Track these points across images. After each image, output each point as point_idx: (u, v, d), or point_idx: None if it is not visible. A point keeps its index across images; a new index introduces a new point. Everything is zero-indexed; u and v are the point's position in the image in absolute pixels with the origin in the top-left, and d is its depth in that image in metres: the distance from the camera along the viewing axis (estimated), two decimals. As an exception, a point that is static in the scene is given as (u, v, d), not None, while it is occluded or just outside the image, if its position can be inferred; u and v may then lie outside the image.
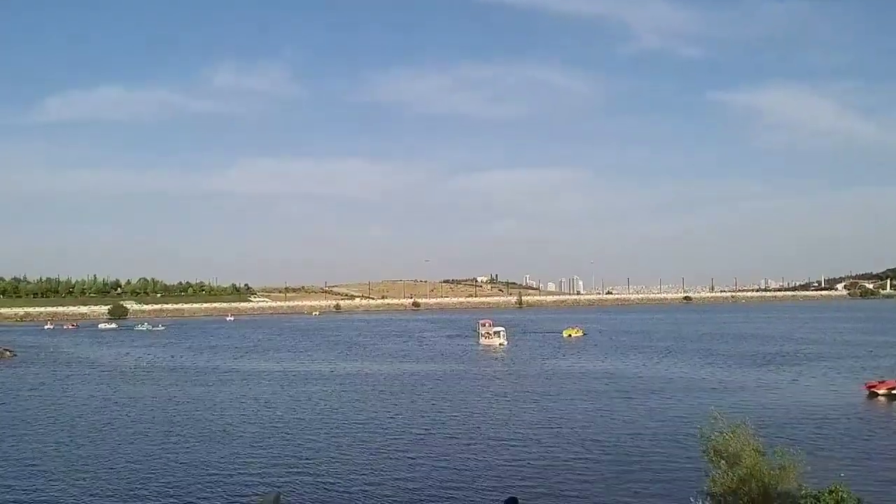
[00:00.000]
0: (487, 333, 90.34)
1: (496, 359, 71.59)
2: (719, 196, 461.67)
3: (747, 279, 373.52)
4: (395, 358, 72.62)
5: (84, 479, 26.59)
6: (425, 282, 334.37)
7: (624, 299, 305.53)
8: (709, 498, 16.56)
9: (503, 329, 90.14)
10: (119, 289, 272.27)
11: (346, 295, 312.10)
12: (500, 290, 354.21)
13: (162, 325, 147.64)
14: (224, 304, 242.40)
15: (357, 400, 44.71)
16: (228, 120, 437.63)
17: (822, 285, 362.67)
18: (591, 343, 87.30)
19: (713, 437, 16.73)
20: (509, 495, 16.28)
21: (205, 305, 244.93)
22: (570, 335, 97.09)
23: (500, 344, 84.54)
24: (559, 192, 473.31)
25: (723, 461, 16.32)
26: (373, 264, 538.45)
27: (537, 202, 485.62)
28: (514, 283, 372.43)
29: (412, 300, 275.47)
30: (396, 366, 64.99)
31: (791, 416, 35.70)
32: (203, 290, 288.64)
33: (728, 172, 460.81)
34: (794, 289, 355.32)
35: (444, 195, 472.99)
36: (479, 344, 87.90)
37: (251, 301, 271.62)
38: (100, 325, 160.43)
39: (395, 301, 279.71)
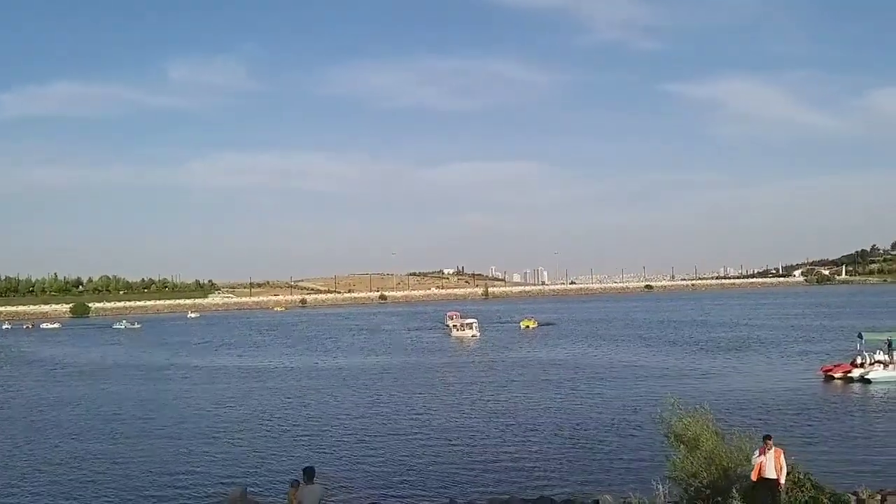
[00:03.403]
0: (459, 325, 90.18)
1: (468, 350, 71.48)
2: (679, 186, 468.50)
3: (707, 267, 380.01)
4: (363, 352, 72.28)
5: (64, 478, 25.89)
6: (392, 275, 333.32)
7: (587, 289, 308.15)
8: (670, 481, 16.74)
9: (475, 320, 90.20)
10: (81, 287, 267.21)
11: (313, 289, 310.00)
12: (467, 281, 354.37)
13: (138, 324, 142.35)
14: (188, 301, 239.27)
15: (328, 395, 44.34)
16: (188, 115, 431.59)
17: (780, 272, 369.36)
18: (559, 333, 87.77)
19: (673, 423, 16.87)
20: (307, 465, 15.99)
21: (168, 302, 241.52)
22: (527, 326, 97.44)
23: (472, 335, 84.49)
24: (524, 184, 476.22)
25: (683, 445, 16.51)
26: (339, 258, 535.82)
27: (502, 194, 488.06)
28: (480, 275, 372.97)
29: (379, 293, 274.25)
30: (364, 360, 64.61)
31: (749, 400, 36.16)
32: (166, 287, 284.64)
33: (687, 163, 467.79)
34: (753, 276, 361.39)
35: (409, 188, 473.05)
36: (450, 336, 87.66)
37: (215, 297, 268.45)
38: (42, 325, 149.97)
39: (362, 295, 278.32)
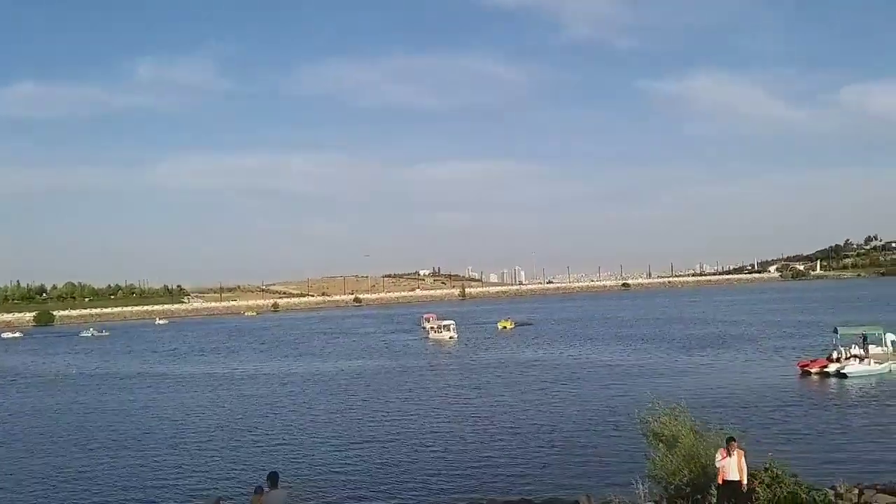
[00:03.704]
0: (436, 327, 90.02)
1: (445, 352, 71.42)
2: (655, 183, 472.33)
3: (683, 264, 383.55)
4: (337, 356, 71.90)
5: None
6: (366, 277, 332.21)
7: (565, 288, 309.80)
8: (650, 480, 16.85)
9: (453, 322, 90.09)
10: (45, 294, 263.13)
11: (285, 293, 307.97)
12: (443, 282, 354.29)
13: (106, 331, 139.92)
14: (156, 307, 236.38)
15: (301, 401, 44.08)
16: (157, 114, 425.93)
17: (756, 268, 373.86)
18: (536, 333, 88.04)
19: (651, 421, 17.05)
20: (271, 470, 16.05)
21: (136, 308, 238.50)
22: (504, 327, 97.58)
23: (450, 337, 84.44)
24: (501, 183, 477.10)
25: (661, 444, 16.67)
26: (312, 261, 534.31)
27: (479, 193, 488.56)
28: (456, 276, 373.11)
29: (353, 296, 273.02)
30: (338, 364, 64.26)
31: (727, 396, 36.49)
32: (134, 293, 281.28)
33: (663, 160, 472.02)
34: (729, 272, 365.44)
35: (385, 188, 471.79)
36: (427, 338, 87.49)
37: (184, 302, 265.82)
38: (3, 335, 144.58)
39: (336, 298, 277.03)
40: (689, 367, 49.95)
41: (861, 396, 36.87)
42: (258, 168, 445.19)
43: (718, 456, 15.13)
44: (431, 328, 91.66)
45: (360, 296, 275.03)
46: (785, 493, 15.10)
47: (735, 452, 14.97)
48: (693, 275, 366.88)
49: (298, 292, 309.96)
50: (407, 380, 50.97)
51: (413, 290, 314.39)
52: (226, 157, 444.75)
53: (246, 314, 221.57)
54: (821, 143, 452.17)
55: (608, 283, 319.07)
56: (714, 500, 15.44)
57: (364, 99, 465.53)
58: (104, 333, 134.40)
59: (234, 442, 32.38)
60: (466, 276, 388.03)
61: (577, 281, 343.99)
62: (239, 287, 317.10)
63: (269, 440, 32.30)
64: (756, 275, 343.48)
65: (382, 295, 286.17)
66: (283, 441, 32.00)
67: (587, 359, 58.26)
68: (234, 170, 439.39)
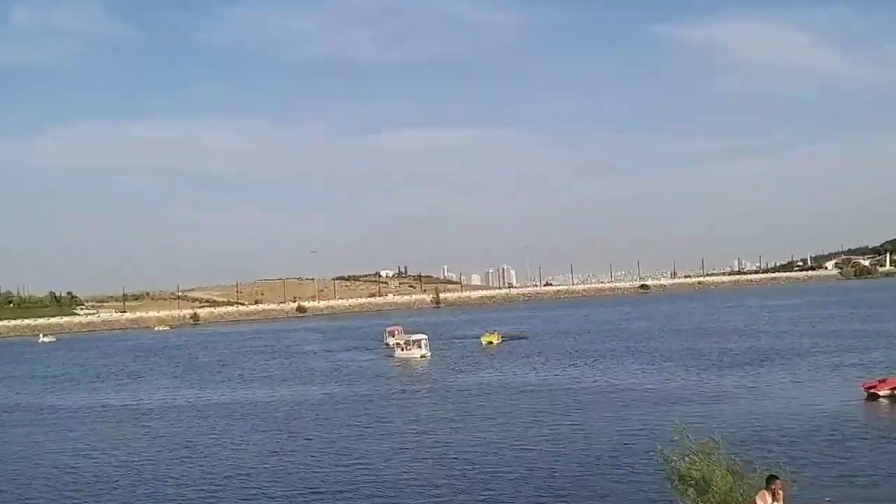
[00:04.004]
0: (403, 343, 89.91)
1: (415, 376, 71.36)
2: (678, 156, 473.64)
3: (717, 261, 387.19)
4: (275, 382, 71.44)
5: None
6: (312, 280, 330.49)
7: (567, 291, 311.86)
8: (677, 532, 16.94)
9: (425, 337, 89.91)
10: None
11: (207, 301, 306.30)
12: (412, 286, 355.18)
13: None
14: (40, 320, 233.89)
15: (226, 439, 43.75)
16: (34, 73, 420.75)
17: (808, 264, 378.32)
18: (530, 349, 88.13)
19: (676, 460, 17.16)
20: None
21: (14, 322, 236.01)
22: (489, 342, 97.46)
23: (421, 356, 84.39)
24: (482, 157, 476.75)
25: (690, 489, 16.77)
26: (241, 260, 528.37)
27: (454, 171, 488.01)
28: (428, 277, 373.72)
29: (296, 304, 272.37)
30: (276, 392, 63.98)
31: (774, 427, 36.47)
32: (11, 303, 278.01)
33: (686, 125, 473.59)
34: (775, 269, 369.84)
35: (331, 165, 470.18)
36: (393, 357, 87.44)
37: (76, 314, 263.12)
38: None
39: (274, 307, 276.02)
40: (725, 390, 49.91)
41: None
42: (165, 141, 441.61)
43: (760, 502, 15.16)
44: (397, 344, 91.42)
45: (305, 304, 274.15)
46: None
47: (780, 494, 15.05)
48: (730, 273, 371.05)
49: (224, 300, 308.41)
50: (364, 411, 50.63)
51: (373, 295, 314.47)
52: (123, 126, 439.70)
53: (156, 328, 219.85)
54: (889, 104, 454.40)
55: (622, 284, 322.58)
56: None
57: (302, 48, 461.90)
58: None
59: (139, 495, 31.89)
60: (441, 277, 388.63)
61: (583, 282, 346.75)
62: (147, 294, 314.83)
63: (185, 492, 31.83)
64: (810, 272, 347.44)
65: (333, 303, 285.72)
66: (204, 492, 31.55)
67: (595, 382, 58.29)
68: (135, 143, 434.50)
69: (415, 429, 43.52)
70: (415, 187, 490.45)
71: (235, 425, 48.11)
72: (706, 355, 70.66)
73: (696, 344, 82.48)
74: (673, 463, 17.15)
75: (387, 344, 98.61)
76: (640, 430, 37.88)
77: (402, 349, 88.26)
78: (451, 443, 38.83)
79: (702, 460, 16.76)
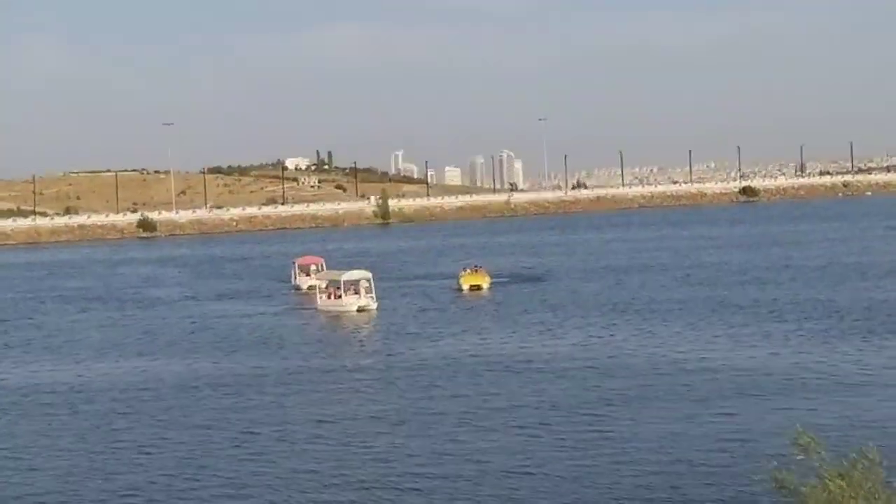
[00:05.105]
0: (329, 286, 69.41)
1: (349, 341, 55.90)
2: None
3: (871, 146, 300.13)
4: (107, 350, 54.19)
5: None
6: (166, 174, 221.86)
7: (614, 196, 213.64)
8: None
9: (367, 276, 68.97)
10: None
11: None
12: (341, 186, 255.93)
13: None
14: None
15: (21, 444, 32.62)
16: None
17: None
18: (541, 298, 68.29)
19: (800, 486, 13.07)
20: None
21: None
22: (472, 285, 74.70)
23: (359, 309, 65.04)
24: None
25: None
26: (42, 142, 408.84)
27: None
28: (369, 171, 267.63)
29: (138, 215, 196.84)
30: (111, 367, 47.57)
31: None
32: None
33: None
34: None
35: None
36: (311, 308, 68.40)
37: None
38: None
39: (101, 219, 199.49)
40: (875, 371, 38.23)
41: None
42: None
43: None
44: (320, 288, 70.29)
45: (153, 215, 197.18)
46: None
47: None
48: (888, 169, 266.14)
49: (13, 207, 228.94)
50: (257, 402, 37.34)
51: (273, 202, 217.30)
52: None
53: None
54: None
55: (709, 186, 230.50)
56: None
57: None
58: None
59: None
60: (393, 172, 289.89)
61: (640, 182, 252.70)
62: None
63: None
64: None
65: (203, 214, 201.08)
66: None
67: (649, 353, 44.55)
68: None
69: (345, 430, 32.44)
70: (348, 12, 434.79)
71: (37, 416, 36.35)
72: (845, 311, 55.35)
73: (828, 292, 64.59)
74: (792, 488, 12.87)
75: (297, 287, 77.91)
76: (730, 435, 28.70)
77: (327, 296, 68.29)
78: (400, 453, 29.47)
79: (849, 485, 12.36)
